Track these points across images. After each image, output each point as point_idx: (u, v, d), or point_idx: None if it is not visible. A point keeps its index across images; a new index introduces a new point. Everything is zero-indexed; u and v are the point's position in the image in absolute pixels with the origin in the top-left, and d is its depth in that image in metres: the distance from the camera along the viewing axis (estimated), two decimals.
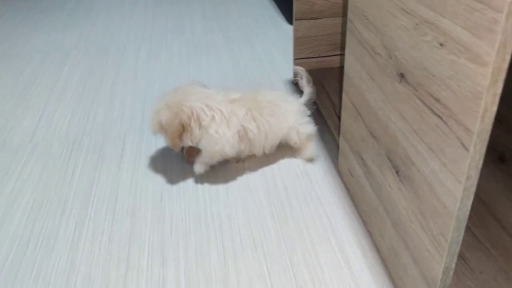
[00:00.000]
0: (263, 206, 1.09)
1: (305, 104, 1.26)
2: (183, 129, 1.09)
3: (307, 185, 1.15)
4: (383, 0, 0.78)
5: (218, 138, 1.10)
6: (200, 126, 1.09)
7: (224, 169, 1.21)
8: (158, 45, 1.99)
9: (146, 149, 1.31)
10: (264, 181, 1.17)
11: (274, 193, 1.13)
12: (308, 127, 1.24)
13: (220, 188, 1.15)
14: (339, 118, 1.31)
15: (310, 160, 1.24)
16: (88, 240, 1.02)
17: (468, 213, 0.63)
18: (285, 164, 1.22)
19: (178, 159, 1.26)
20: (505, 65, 0.51)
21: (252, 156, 1.24)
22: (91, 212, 1.10)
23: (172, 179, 1.19)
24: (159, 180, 1.19)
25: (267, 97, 1.20)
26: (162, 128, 1.11)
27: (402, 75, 0.74)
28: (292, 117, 1.21)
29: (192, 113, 1.08)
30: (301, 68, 1.29)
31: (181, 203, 1.11)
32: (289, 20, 2.18)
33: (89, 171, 1.24)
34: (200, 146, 1.13)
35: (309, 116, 1.26)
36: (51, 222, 1.07)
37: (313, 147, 1.24)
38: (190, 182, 1.18)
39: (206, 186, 1.16)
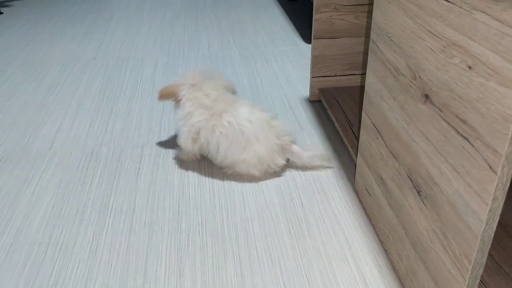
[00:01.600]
0: (279, 221, 1.09)
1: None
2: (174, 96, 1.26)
3: (323, 202, 1.15)
4: (408, 22, 0.79)
5: (180, 123, 1.25)
6: (177, 101, 1.27)
7: (240, 184, 1.22)
8: (175, 58, 2.02)
9: (163, 162, 1.32)
10: (281, 196, 1.17)
11: (291, 209, 1.13)
12: (280, 161, 1.23)
13: (237, 201, 1.16)
14: (355, 136, 1.31)
15: (324, 165, 1.28)
16: (106, 250, 1.03)
17: (493, 234, 0.63)
18: (302, 180, 1.23)
19: (195, 172, 1.27)
20: None
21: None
22: (109, 222, 1.11)
23: (189, 192, 1.20)
24: (176, 192, 1.20)
25: (246, 115, 1.20)
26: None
27: (427, 96, 0.75)
28: (263, 147, 1.19)
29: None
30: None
31: (198, 215, 1.12)
32: (305, 38, 2.20)
33: (107, 181, 1.25)
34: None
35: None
36: (70, 230, 1.08)
37: (319, 158, 1.26)
38: (207, 195, 1.19)
39: (223, 199, 1.17)
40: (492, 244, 0.94)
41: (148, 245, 1.04)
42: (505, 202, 1.04)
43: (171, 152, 1.36)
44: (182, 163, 1.31)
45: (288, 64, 1.93)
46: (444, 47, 0.68)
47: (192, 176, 1.26)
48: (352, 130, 1.35)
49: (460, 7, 0.63)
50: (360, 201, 1.15)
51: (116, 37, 2.29)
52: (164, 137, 1.44)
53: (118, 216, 1.13)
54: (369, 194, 1.08)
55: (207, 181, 1.23)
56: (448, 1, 0.66)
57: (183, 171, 1.28)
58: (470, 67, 0.61)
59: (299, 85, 1.74)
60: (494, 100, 0.57)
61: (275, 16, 2.54)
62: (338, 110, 1.46)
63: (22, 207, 1.16)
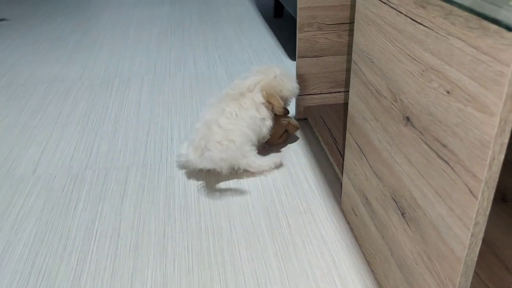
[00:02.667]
0: (266, 244, 1.09)
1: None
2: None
3: (310, 222, 1.15)
4: (388, 45, 0.80)
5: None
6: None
7: (227, 205, 1.21)
8: (161, 77, 2.02)
9: (149, 183, 1.31)
10: (268, 217, 1.17)
11: (278, 230, 1.13)
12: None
13: (223, 224, 1.15)
14: (341, 155, 1.32)
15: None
16: (90, 277, 1.01)
17: (476, 258, 0.63)
18: (289, 200, 1.23)
19: (181, 194, 1.26)
20: None
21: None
22: (94, 247, 1.09)
23: (175, 215, 1.19)
24: (161, 215, 1.19)
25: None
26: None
27: (408, 119, 0.75)
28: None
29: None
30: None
31: (183, 239, 1.11)
32: (291, 55, 2.21)
33: (91, 205, 1.24)
34: None
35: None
36: (53, 257, 1.07)
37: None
38: (193, 218, 1.18)
39: (209, 222, 1.16)
40: (477, 262, 0.94)
41: (133, 270, 1.03)
42: (489, 220, 1.05)
43: (157, 173, 1.35)
44: (168, 185, 1.30)
45: None
46: (423, 71, 0.69)
47: (178, 198, 1.25)
48: (338, 149, 1.35)
49: (437, 32, 0.63)
50: (347, 221, 1.15)
51: (101, 57, 2.29)
52: (150, 157, 1.43)
53: (102, 241, 1.11)
54: (355, 214, 1.08)
55: (193, 203, 1.22)
56: (425, 26, 0.66)
57: (169, 192, 1.27)
58: (448, 92, 0.62)
59: None
60: (472, 126, 0.57)
61: (261, 33, 2.56)
62: (324, 128, 1.46)
63: (4, 235, 1.14)
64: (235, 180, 1.31)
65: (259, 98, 1.34)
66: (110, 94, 1.89)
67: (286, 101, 1.43)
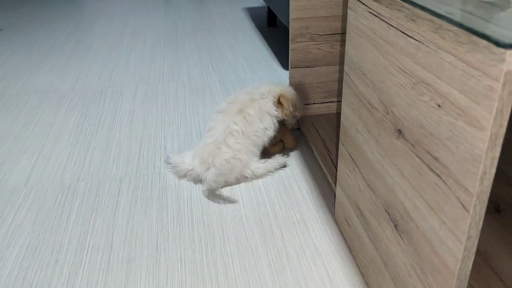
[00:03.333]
0: (260, 255, 1.08)
1: None
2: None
3: (303, 233, 1.15)
4: (380, 58, 0.80)
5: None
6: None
7: (220, 216, 1.21)
8: (155, 87, 2.02)
9: (142, 195, 1.31)
10: (261, 228, 1.16)
11: (271, 241, 1.12)
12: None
13: (217, 235, 1.14)
14: (334, 165, 1.32)
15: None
16: None
17: (469, 272, 0.63)
18: (282, 211, 1.22)
19: (174, 205, 1.26)
20: (503, 131, 0.52)
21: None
22: (86, 260, 1.08)
23: (168, 226, 1.18)
24: (154, 227, 1.18)
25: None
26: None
27: (400, 131, 0.75)
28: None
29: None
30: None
31: (177, 251, 1.10)
32: (284, 65, 2.22)
33: (84, 217, 1.23)
34: None
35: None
36: (44, 270, 1.05)
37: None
38: (186, 229, 1.17)
39: (202, 233, 1.15)
40: (471, 274, 0.94)
41: (125, 283, 1.02)
42: (483, 231, 1.05)
43: (150, 184, 1.35)
44: (161, 196, 1.30)
45: None
46: (414, 84, 0.69)
47: (171, 209, 1.24)
48: (331, 159, 1.35)
49: (427, 46, 0.64)
50: (341, 232, 1.15)
51: (95, 67, 2.29)
52: (143, 168, 1.43)
53: (95, 254, 1.10)
54: (349, 225, 1.08)
55: (186, 215, 1.22)
56: (416, 40, 0.67)
57: (162, 204, 1.26)
58: (439, 106, 0.62)
59: None
60: (463, 139, 0.57)
61: (254, 42, 2.57)
62: (317, 139, 1.46)
63: None
64: (229, 191, 1.31)
65: (266, 106, 1.37)
66: (103, 104, 1.88)
67: (294, 112, 1.43)
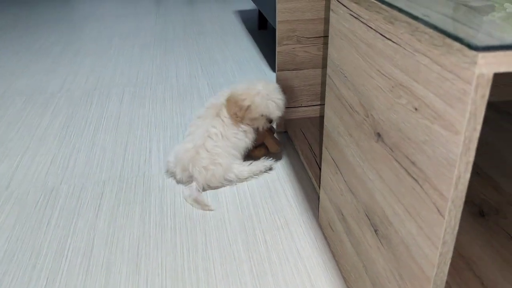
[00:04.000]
0: (242, 260, 1.07)
1: None
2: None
3: (287, 238, 1.13)
4: (360, 60, 0.79)
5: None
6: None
7: (203, 220, 1.19)
8: (142, 89, 2.00)
9: (125, 198, 1.29)
10: (244, 233, 1.15)
11: (254, 246, 1.11)
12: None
13: (199, 240, 1.13)
14: (319, 168, 1.31)
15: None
16: None
17: (445, 278, 0.62)
18: (266, 215, 1.21)
19: (157, 209, 1.24)
20: (477, 134, 0.51)
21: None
22: (65, 265, 1.06)
23: (150, 231, 1.16)
24: (136, 231, 1.17)
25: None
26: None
27: (379, 135, 0.74)
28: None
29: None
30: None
31: (158, 256, 1.08)
32: (273, 67, 2.21)
33: (65, 220, 1.21)
34: None
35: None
36: (21, 276, 1.03)
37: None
38: (168, 233, 1.15)
39: (184, 238, 1.14)
40: (453, 278, 0.93)
41: None
42: (466, 234, 1.04)
43: (133, 187, 1.33)
44: (144, 200, 1.28)
45: None
46: (392, 87, 0.68)
47: (154, 213, 1.23)
48: (317, 162, 1.34)
49: (404, 48, 0.63)
50: (324, 236, 1.13)
51: (83, 69, 2.27)
52: (127, 171, 1.41)
53: (74, 258, 1.08)
54: (332, 230, 1.07)
55: (168, 218, 1.20)
56: (394, 42, 0.66)
57: (145, 207, 1.25)
58: (416, 109, 0.61)
59: None
60: (439, 144, 0.56)
61: (244, 45, 2.56)
62: (303, 142, 1.45)
63: None
64: (213, 194, 1.30)
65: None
66: (90, 106, 1.86)
67: (261, 120, 1.36)
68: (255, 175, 1.36)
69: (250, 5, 3.49)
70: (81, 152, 1.53)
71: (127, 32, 2.85)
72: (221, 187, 1.32)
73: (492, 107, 1.61)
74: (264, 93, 1.33)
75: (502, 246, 1.01)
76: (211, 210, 1.23)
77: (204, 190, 1.30)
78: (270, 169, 1.40)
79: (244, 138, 1.35)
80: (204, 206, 1.23)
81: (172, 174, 1.37)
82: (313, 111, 1.60)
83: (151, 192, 1.31)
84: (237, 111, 1.32)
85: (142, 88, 2.02)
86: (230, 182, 1.33)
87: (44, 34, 2.84)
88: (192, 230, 1.16)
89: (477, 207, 1.12)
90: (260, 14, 2.79)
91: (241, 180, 1.34)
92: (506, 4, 0.67)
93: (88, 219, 1.21)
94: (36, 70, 2.26)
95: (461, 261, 0.98)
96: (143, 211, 1.23)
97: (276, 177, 1.37)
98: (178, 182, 1.34)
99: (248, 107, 1.32)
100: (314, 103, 1.59)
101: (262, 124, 1.36)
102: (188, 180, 1.31)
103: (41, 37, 2.78)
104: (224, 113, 1.34)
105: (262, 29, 2.85)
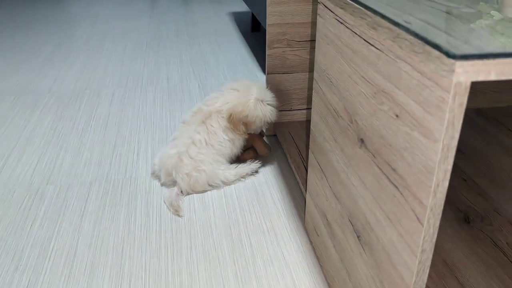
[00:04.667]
0: (226, 264, 1.06)
1: None
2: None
3: (272, 242, 1.13)
4: (345, 66, 0.79)
5: None
6: None
7: (189, 224, 1.19)
8: (133, 91, 1.99)
9: (111, 200, 1.28)
10: (230, 237, 1.14)
11: (239, 250, 1.10)
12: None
13: (184, 243, 1.12)
14: (307, 173, 1.30)
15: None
16: None
17: (424, 286, 0.61)
18: (253, 218, 1.21)
19: (143, 211, 1.23)
20: (455, 142, 0.51)
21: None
22: (47, 267, 1.05)
23: (135, 233, 1.16)
24: (121, 233, 1.16)
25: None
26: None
27: (362, 141, 0.74)
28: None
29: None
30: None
31: (142, 259, 1.08)
32: (265, 71, 2.21)
33: (49, 221, 1.20)
34: None
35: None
36: (2, 278, 1.02)
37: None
38: (153, 236, 1.15)
39: (169, 241, 1.13)
40: (437, 284, 0.93)
41: None
42: (451, 241, 1.04)
43: (119, 189, 1.32)
44: (130, 202, 1.27)
45: None
46: (375, 93, 0.68)
47: (139, 215, 1.22)
48: (305, 166, 1.34)
49: (387, 55, 0.63)
50: (310, 241, 1.13)
51: (73, 70, 2.25)
52: (114, 173, 1.40)
53: (57, 260, 1.07)
54: (317, 235, 1.06)
55: (154, 221, 1.19)
56: (377, 48, 0.66)
57: (130, 210, 1.24)
58: (397, 116, 0.61)
59: None
60: (418, 151, 0.56)
61: (237, 47, 2.55)
62: (292, 145, 1.45)
63: None
64: (200, 197, 1.29)
65: (224, 122, 1.32)
66: (79, 107, 1.85)
67: (258, 125, 1.37)
68: (242, 178, 1.36)
69: (243, 7, 3.49)
70: (68, 153, 1.52)
71: (120, 33, 2.83)
72: (207, 191, 1.31)
73: (480, 113, 1.61)
74: (260, 99, 1.33)
75: (486, 253, 1.01)
76: (180, 216, 1.22)
77: (188, 194, 1.30)
78: (256, 172, 1.40)
79: (231, 146, 1.34)
80: (175, 211, 1.22)
81: (157, 177, 1.36)
82: (302, 115, 1.60)
83: (137, 194, 1.30)
84: (244, 127, 1.33)
85: (132, 90, 2.01)
86: (216, 187, 1.32)
87: (36, 34, 2.82)
88: (177, 233, 1.16)
89: (463, 214, 1.13)
90: (253, 16, 2.79)
91: (227, 183, 1.33)
92: (493, 12, 0.67)
93: (73, 220, 1.20)
94: (26, 69, 2.25)
95: (444, 268, 0.98)
96: (129, 214, 1.23)
97: (264, 181, 1.36)
98: (163, 185, 1.33)
99: (254, 122, 1.33)
100: (304, 106, 1.58)
101: (258, 127, 1.37)
102: (172, 184, 1.30)
103: (32, 37, 2.76)
104: (212, 121, 1.32)
105: (255, 31, 2.85)
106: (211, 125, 1.32)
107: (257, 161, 1.40)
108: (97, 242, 1.13)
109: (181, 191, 1.28)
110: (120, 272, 1.04)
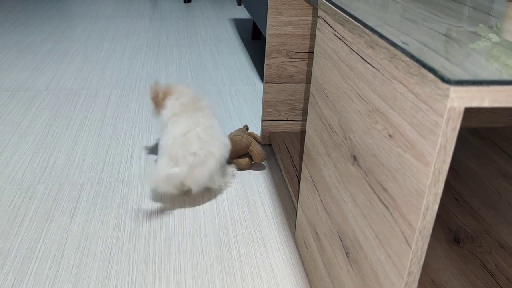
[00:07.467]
0: (214, 273, 1.05)
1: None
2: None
3: (262, 253, 1.12)
4: (341, 82, 0.79)
5: None
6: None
7: (178, 230, 1.18)
8: (130, 93, 1.99)
9: (101, 203, 1.27)
10: (219, 245, 1.14)
11: (228, 259, 1.10)
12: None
13: (172, 250, 1.12)
14: (300, 184, 1.30)
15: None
16: None
17: None
18: (243, 228, 1.20)
19: (133, 215, 1.22)
20: (446, 166, 0.51)
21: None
22: (33, 269, 1.04)
23: (124, 237, 1.15)
24: (110, 237, 1.15)
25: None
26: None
27: (355, 158, 0.74)
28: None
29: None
30: None
31: (129, 264, 1.07)
32: (263, 79, 2.21)
33: (38, 222, 1.19)
34: None
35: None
36: None
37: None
38: (141, 241, 1.14)
39: (158, 247, 1.12)
40: None
41: None
42: (441, 261, 1.04)
43: (111, 192, 1.31)
44: (121, 205, 1.26)
45: (244, 104, 1.92)
46: (369, 111, 0.68)
47: (129, 220, 1.21)
48: (298, 178, 1.33)
49: (383, 74, 0.63)
50: (299, 254, 1.13)
51: (71, 69, 2.25)
52: (107, 175, 1.39)
53: (44, 262, 1.06)
54: (307, 248, 1.06)
55: (143, 226, 1.19)
56: (373, 67, 0.66)
57: (121, 213, 1.23)
58: (390, 136, 0.61)
59: (252, 127, 1.73)
60: (410, 173, 0.56)
61: (237, 54, 2.55)
62: (286, 156, 1.44)
63: None
64: (191, 204, 1.28)
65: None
66: (75, 106, 1.84)
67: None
68: (224, 184, 1.37)
69: (245, 14, 3.49)
70: (62, 153, 1.51)
71: (120, 34, 2.83)
72: (202, 187, 1.28)
73: (476, 133, 1.62)
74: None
75: (474, 274, 1.01)
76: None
77: (183, 184, 1.24)
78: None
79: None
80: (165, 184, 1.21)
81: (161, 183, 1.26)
82: (298, 126, 1.60)
83: (128, 198, 1.30)
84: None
85: (129, 91, 2.00)
86: (214, 183, 1.30)
87: (34, 32, 2.81)
88: (166, 239, 1.15)
89: (453, 233, 1.12)
90: (254, 24, 2.80)
91: (215, 185, 1.32)
92: (491, 35, 0.67)
93: (62, 221, 1.19)
94: (24, 67, 2.24)
95: (432, 287, 0.97)
96: (119, 217, 1.22)
97: (256, 190, 1.36)
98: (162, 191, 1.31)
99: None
100: (300, 117, 1.58)
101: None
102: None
103: (31, 34, 2.75)
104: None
105: (255, 38, 2.85)
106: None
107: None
108: (85, 244, 1.12)
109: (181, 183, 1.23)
110: (107, 276, 1.03)
